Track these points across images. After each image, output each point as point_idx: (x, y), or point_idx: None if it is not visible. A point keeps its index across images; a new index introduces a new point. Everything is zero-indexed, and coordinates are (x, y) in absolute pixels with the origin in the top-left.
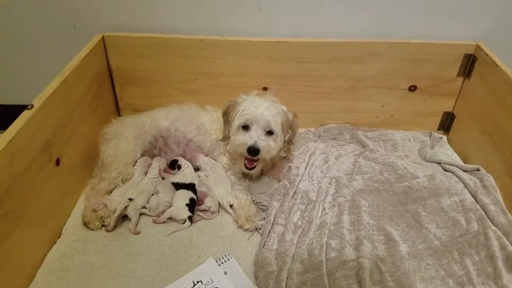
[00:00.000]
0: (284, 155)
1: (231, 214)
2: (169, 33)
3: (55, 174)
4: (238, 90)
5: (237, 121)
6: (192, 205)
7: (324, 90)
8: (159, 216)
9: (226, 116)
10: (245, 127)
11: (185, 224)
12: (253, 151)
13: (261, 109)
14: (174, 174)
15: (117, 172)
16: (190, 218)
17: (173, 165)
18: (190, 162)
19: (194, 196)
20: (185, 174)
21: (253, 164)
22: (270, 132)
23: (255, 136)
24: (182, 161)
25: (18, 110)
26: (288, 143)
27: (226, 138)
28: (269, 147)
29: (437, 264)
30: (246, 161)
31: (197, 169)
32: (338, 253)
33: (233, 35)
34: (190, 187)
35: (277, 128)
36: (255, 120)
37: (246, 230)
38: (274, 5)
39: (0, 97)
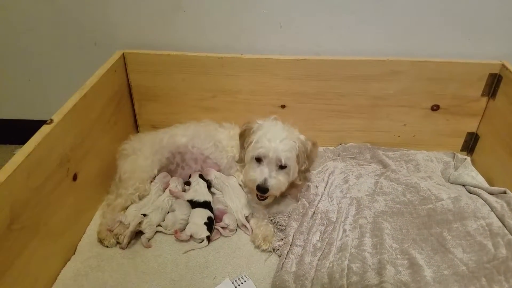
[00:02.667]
0: (300, 183)
1: (246, 227)
2: (188, 51)
3: (72, 189)
4: (256, 108)
5: (251, 153)
6: (210, 224)
7: (344, 109)
8: (176, 232)
9: (242, 140)
10: (258, 159)
11: (202, 243)
12: (262, 189)
13: (274, 143)
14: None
15: (134, 188)
16: (208, 237)
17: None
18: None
19: (212, 215)
20: (196, 190)
21: (264, 197)
22: (283, 166)
23: (266, 173)
24: (193, 178)
25: (38, 126)
26: (304, 172)
27: (241, 160)
28: (279, 184)
29: None
30: (257, 193)
31: (209, 184)
32: (360, 277)
33: (252, 53)
34: (206, 205)
35: (290, 162)
36: (267, 155)
37: (263, 251)
38: (294, 23)
39: (20, 112)
